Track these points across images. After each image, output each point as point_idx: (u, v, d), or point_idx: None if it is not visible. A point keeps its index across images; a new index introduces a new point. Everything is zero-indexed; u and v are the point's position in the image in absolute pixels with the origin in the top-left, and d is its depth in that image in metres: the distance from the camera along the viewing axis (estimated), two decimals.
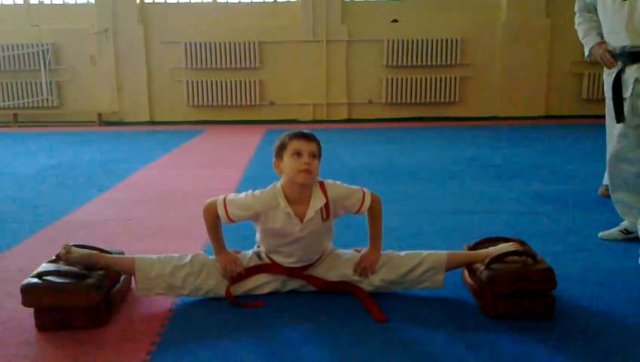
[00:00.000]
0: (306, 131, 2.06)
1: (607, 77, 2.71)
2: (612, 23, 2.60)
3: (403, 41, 9.21)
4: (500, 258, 2.02)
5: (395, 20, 9.38)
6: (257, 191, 2.09)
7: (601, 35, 2.74)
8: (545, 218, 3.29)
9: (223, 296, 2.09)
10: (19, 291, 1.88)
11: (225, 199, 2.09)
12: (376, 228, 2.17)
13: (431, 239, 2.91)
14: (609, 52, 2.65)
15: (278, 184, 2.09)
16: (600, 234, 2.82)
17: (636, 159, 2.69)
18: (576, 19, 2.86)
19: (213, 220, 2.10)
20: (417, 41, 9.20)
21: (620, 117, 2.63)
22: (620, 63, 2.62)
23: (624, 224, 2.81)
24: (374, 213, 2.15)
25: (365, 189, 2.15)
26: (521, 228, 3.04)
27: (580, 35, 2.83)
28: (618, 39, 2.59)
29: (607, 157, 2.81)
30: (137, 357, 1.72)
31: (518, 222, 3.23)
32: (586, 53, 2.81)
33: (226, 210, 2.06)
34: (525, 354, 1.72)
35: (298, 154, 1.99)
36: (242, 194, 2.10)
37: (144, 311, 2.08)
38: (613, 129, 2.72)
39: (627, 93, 2.61)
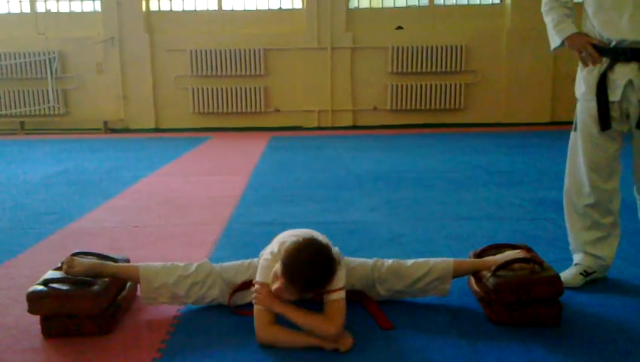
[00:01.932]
0: (314, 277, 1.77)
1: (587, 75, 2.28)
2: (610, 13, 2.18)
3: (408, 47, 9.22)
4: (507, 265, 2.00)
5: (399, 27, 9.40)
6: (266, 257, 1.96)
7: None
8: (551, 224, 3.27)
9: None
10: (25, 298, 1.89)
11: (261, 311, 1.84)
12: (312, 315, 1.85)
13: (437, 245, 2.90)
14: (593, 45, 2.23)
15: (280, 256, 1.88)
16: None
17: (614, 171, 2.32)
18: (546, 4, 2.37)
19: (277, 332, 1.83)
20: (422, 47, 9.21)
21: (605, 123, 2.22)
22: (605, 60, 2.21)
23: (582, 264, 2.38)
24: (327, 309, 1.84)
25: (341, 297, 1.85)
26: (528, 235, 3.03)
27: (551, 22, 2.35)
28: (615, 32, 2.17)
29: (571, 168, 2.48)
30: None
31: (524, 228, 3.21)
32: (557, 42, 2.34)
33: (263, 300, 1.84)
34: (532, 361, 1.71)
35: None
36: (257, 273, 1.92)
37: (149, 318, 2.08)
38: (586, 137, 2.34)
39: (615, 97, 2.20)
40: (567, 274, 2.32)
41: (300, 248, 1.77)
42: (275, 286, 1.80)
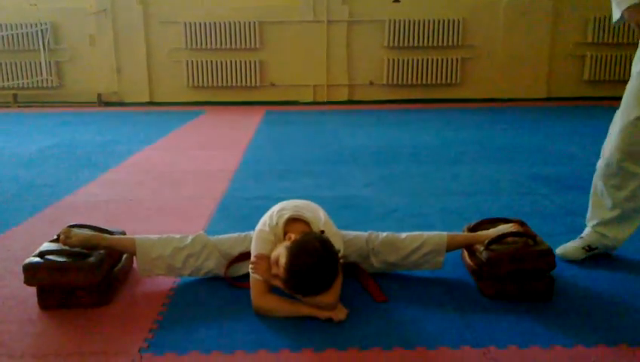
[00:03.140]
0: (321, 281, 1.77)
1: None
2: None
3: (405, 21, 9.12)
4: (500, 239, 2.02)
5: (396, 1, 9.29)
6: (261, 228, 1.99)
7: None
8: (545, 199, 3.30)
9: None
10: (21, 270, 1.90)
11: (257, 280, 1.88)
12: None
13: (431, 220, 2.92)
14: None
15: (278, 228, 1.94)
16: (558, 251, 2.31)
17: None
18: None
19: (273, 301, 1.87)
20: (419, 21, 9.12)
21: None
22: None
23: (585, 239, 2.37)
24: None
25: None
26: (521, 209, 3.05)
27: None
28: None
29: (605, 144, 2.32)
30: (139, 335, 1.74)
31: (518, 203, 3.23)
32: (617, 15, 2.12)
33: (261, 272, 1.87)
34: (524, 334, 1.74)
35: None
36: (253, 243, 1.96)
37: (146, 289, 2.09)
38: (628, 117, 2.16)
39: None
40: (569, 247, 2.33)
41: (301, 264, 1.72)
42: (273, 271, 1.82)
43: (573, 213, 2.99)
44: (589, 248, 2.34)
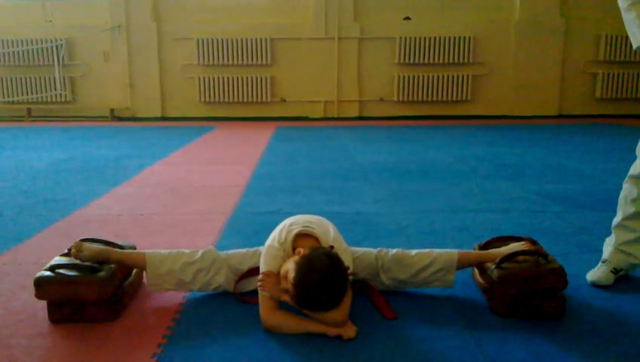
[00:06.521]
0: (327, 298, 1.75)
1: None
2: None
3: (415, 38, 9.18)
4: (511, 257, 2.01)
5: (407, 18, 9.35)
6: (271, 244, 1.98)
7: None
8: (556, 217, 3.27)
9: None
10: (32, 283, 1.91)
11: (266, 297, 1.86)
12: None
13: (442, 237, 2.90)
14: None
15: (287, 244, 1.94)
16: (590, 278, 2.28)
17: None
18: None
19: (281, 318, 1.86)
20: (430, 38, 9.18)
21: None
22: None
23: (611, 261, 2.30)
24: None
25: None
26: (533, 228, 3.03)
27: (637, 17, 2.05)
28: None
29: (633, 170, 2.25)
30: (149, 349, 1.74)
31: (529, 221, 3.21)
32: None
33: (269, 289, 1.86)
34: (535, 353, 1.72)
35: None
36: (262, 260, 1.95)
37: (155, 304, 2.09)
38: None
39: None
40: (598, 274, 2.26)
41: (309, 280, 1.72)
42: (282, 285, 1.82)
43: (585, 232, 2.97)
44: (615, 270, 2.27)
